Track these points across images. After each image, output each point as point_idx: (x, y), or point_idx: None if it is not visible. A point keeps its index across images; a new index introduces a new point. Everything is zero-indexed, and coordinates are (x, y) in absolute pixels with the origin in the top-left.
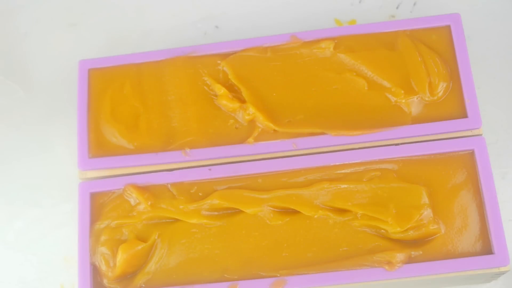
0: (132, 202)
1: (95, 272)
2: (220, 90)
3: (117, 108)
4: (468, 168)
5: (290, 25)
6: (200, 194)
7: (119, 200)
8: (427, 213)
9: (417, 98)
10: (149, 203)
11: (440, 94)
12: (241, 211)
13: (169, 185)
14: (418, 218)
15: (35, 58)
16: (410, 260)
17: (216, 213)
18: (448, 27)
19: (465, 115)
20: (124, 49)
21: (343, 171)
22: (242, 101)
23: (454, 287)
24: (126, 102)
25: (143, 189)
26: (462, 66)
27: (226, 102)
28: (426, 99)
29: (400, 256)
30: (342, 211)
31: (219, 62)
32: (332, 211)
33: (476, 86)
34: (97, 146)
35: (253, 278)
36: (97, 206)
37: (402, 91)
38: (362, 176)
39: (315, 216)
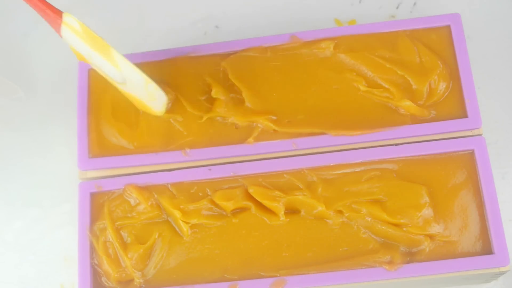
0: (132, 202)
1: (95, 272)
2: (218, 93)
3: (118, 107)
4: (468, 168)
5: (290, 25)
6: (200, 194)
7: (119, 200)
8: (428, 212)
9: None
10: (149, 203)
11: (440, 94)
12: (241, 211)
13: (169, 185)
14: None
15: (35, 58)
16: (410, 260)
17: (216, 213)
18: (448, 27)
19: (465, 115)
20: (124, 49)
21: (343, 171)
22: (242, 101)
23: (454, 287)
24: (126, 102)
25: (143, 189)
26: (462, 66)
27: (222, 110)
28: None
29: (400, 256)
30: (342, 211)
31: (219, 62)
32: (332, 211)
33: (476, 86)
34: (97, 146)
35: (253, 278)
36: (97, 206)
37: (402, 91)
38: (362, 176)
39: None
